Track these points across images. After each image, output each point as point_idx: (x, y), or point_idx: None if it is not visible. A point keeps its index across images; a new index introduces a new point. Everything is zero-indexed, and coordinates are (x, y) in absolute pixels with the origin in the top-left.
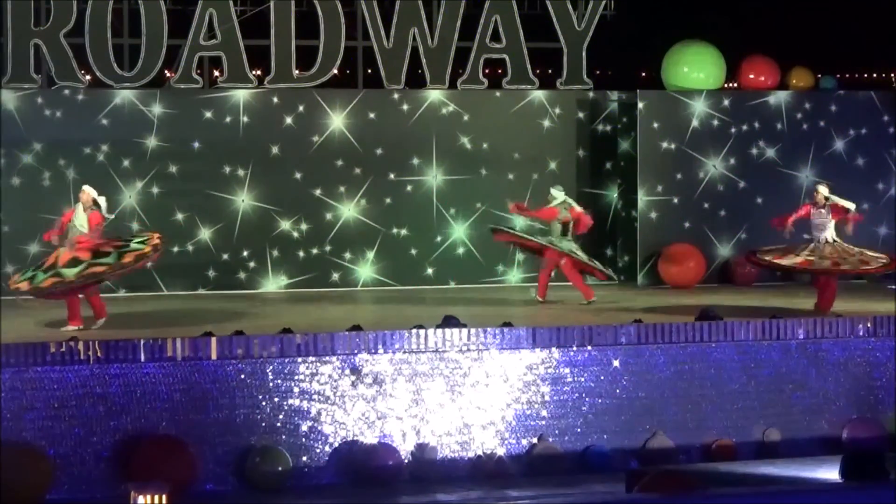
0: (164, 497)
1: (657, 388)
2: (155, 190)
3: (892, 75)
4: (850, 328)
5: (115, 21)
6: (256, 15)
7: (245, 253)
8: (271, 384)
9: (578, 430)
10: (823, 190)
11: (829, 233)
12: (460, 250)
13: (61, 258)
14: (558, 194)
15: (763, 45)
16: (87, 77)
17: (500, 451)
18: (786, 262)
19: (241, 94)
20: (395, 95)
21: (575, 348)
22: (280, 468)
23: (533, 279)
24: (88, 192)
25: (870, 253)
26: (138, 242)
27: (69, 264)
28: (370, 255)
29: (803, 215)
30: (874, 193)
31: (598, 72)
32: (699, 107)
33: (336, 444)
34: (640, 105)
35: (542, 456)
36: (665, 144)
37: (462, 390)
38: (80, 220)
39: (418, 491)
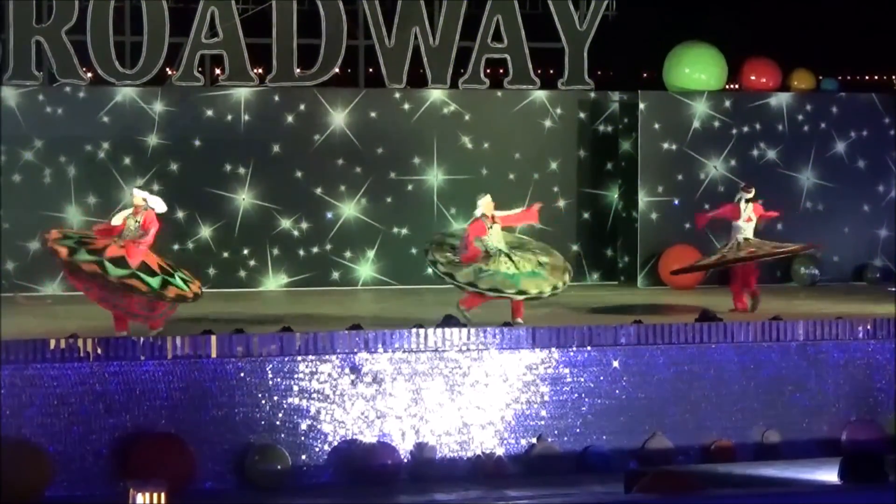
0: (162, 495)
1: (657, 388)
2: (156, 187)
3: (894, 77)
4: (849, 330)
5: (117, 19)
6: (258, 13)
7: (245, 251)
8: (271, 383)
9: (578, 430)
10: (747, 195)
11: (749, 233)
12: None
13: (109, 249)
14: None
15: (765, 47)
16: (89, 74)
17: (500, 451)
18: (704, 262)
19: (242, 93)
20: (397, 95)
21: (575, 349)
22: (279, 467)
23: None
24: (138, 195)
25: (782, 244)
26: (182, 279)
27: (116, 262)
28: (370, 254)
29: (726, 214)
30: (874, 195)
31: (599, 72)
32: (700, 108)
33: (335, 443)
34: (642, 106)
35: (542, 456)
36: (666, 145)
37: (461, 390)
38: (132, 225)
39: (417, 490)
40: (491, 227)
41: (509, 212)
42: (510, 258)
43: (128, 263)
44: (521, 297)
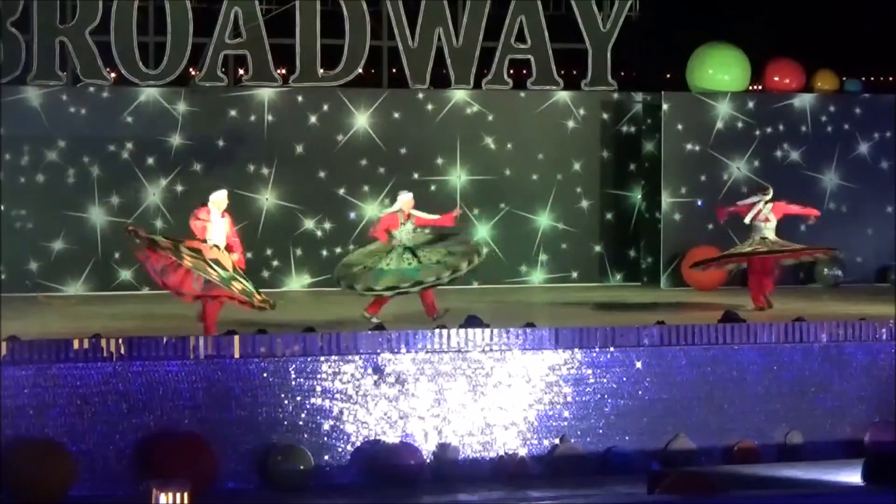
0: (185, 495)
1: (679, 389)
2: (179, 188)
3: None
4: (873, 331)
5: (141, 19)
6: (282, 14)
7: (268, 251)
8: (294, 383)
9: (600, 431)
10: (765, 196)
11: (768, 233)
12: (483, 250)
13: (204, 252)
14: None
15: (788, 48)
16: (112, 75)
17: (522, 452)
18: (718, 256)
19: (265, 93)
20: (420, 95)
21: (597, 349)
22: (302, 467)
23: (557, 279)
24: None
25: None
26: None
27: (217, 264)
28: None
29: (740, 211)
30: None
31: (622, 73)
32: (724, 109)
33: (358, 444)
34: (665, 106)
35: (564, 457)
36: (689, 146)
37: (484, 390)
38: (218, 229)
39: (440, 491)
40: (404, 224)
41: (428, 215)
42: (414, 254)
43: (225, 267)
44: (418, 288)
